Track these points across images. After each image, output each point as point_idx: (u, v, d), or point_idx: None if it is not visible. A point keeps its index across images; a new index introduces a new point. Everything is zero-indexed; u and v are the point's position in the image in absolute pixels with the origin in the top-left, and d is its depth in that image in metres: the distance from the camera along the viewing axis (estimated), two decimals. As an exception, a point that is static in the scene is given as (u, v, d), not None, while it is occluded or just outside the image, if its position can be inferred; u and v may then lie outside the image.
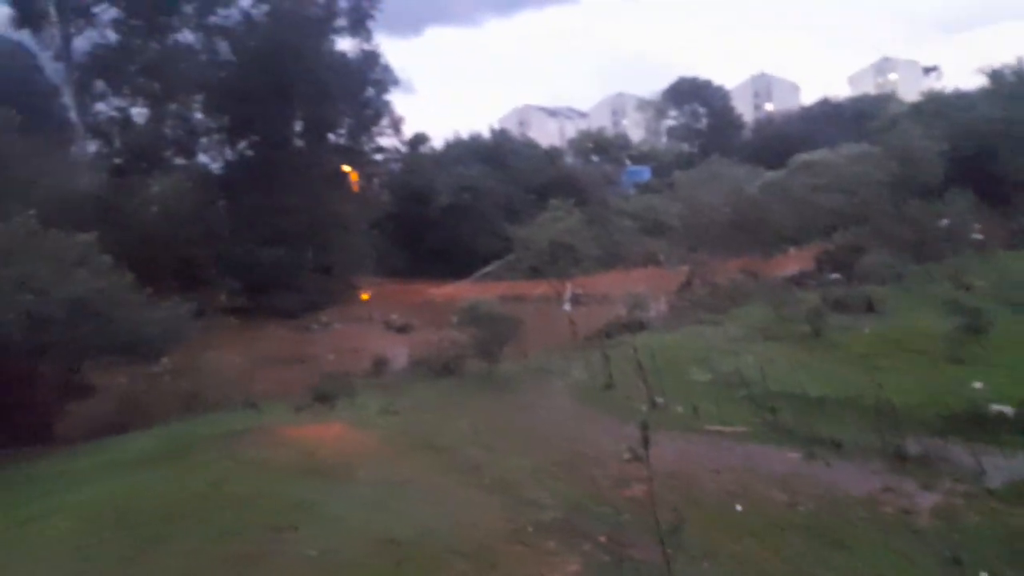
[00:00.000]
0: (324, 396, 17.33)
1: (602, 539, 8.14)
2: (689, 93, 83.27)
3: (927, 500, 9.10)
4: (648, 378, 14.67)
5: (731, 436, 12.28)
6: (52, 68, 48.38)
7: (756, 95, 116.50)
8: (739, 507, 9.17)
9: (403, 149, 56.04)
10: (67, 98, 47.56)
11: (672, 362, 17.45)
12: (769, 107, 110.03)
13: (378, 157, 53.46)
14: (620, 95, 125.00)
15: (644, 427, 4.31)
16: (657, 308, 27.41)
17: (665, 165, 70.84)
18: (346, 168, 49.60)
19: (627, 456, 4.03)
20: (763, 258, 34.12)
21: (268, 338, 29.26)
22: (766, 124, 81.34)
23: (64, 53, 44.18)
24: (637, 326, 24.62)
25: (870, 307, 22.79)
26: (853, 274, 27.76)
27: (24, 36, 46.54)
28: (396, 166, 57.13)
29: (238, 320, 33.94)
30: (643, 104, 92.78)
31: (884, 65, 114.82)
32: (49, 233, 17.77)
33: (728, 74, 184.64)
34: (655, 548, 7.29)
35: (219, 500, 10.09)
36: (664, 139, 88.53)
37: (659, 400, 14.50)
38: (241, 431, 14.11)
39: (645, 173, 70.27)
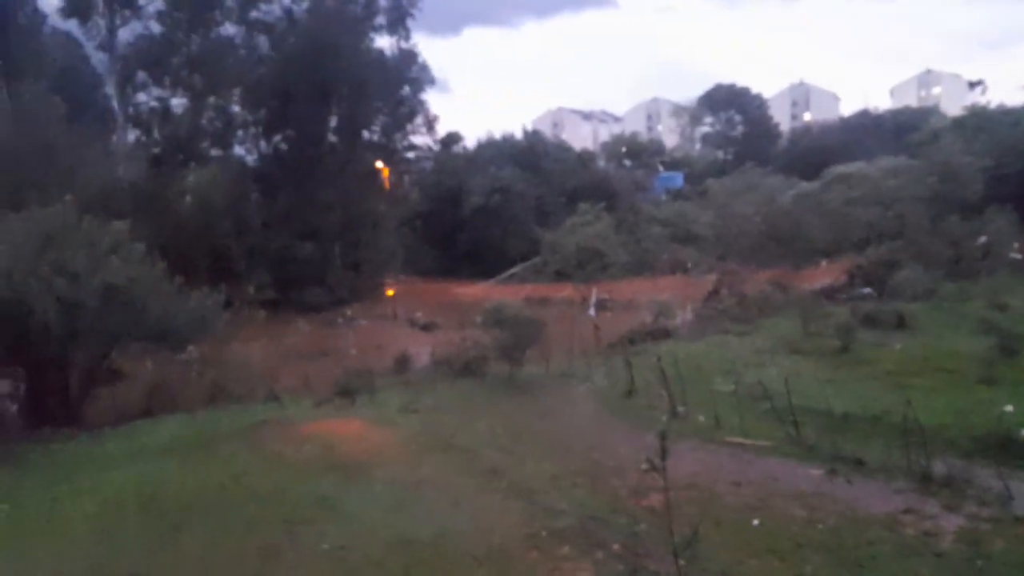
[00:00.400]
0: (346, 392, 17.54)
1: (616, 548, 8.09)
2: (725, 100, 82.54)
3: (951, 523, 8.87)
4: (671, 387, 14.54)
5: (753, 449, 12.11)
6: (97, 58, 49.60)
7: (794, 104, 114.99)
8: (757, 522, 9.04)
9: (436, 148, 56.32)
10: (110, 88, 48.64)
11: (696, 371, 17.29)
12: (807, 117, 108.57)
13: (411, 155, 53.81)
14: (655, 100, 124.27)
15: (662, 437, 4.27)
16: (683, 316, 27.17)
17: (698, 172, 70.28)
18: (379, 165, 49.99)
19: (645, 466, 3.98)
20: (794, 270, 33.68)
21: (294, 332, 29.63)
22: (803, 134, 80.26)
23: (109, 44, 45.17)
24: (662, 333, 24.43)
25: (901, 323, 22.33)
26: (885, 289, 27.26)
27: (71, 26, 47.81)
28: (428, 164, 57.46)
29: (266, 313, 34.38)
30: (678, 110, 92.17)
31: (927, 78, 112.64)
32: (85, 220, 18.18)
33: (766, 82, 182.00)
34: (670, 560, 7.24)
35: (240, 493, 10.26)
36: (698, 146, 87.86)
37: (681, 409, 14.37)
38: (263, 424, 14.33)
39: (677, 179, 69.79)
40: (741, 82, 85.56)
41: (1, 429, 17.41)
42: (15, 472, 12.51)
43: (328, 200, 43.58)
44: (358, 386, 17.81)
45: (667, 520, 4.93)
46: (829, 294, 29.72)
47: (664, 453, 4.20)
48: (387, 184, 52.21)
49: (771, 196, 33.79)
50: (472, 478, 11.07)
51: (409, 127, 50.74)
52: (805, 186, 38.55)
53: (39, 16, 49.59)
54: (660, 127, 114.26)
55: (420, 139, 52.86)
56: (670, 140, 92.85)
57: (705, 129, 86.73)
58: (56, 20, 47.97)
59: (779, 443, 12.33)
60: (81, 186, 28.75)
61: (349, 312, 38.35)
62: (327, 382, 19.04)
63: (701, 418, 13.55)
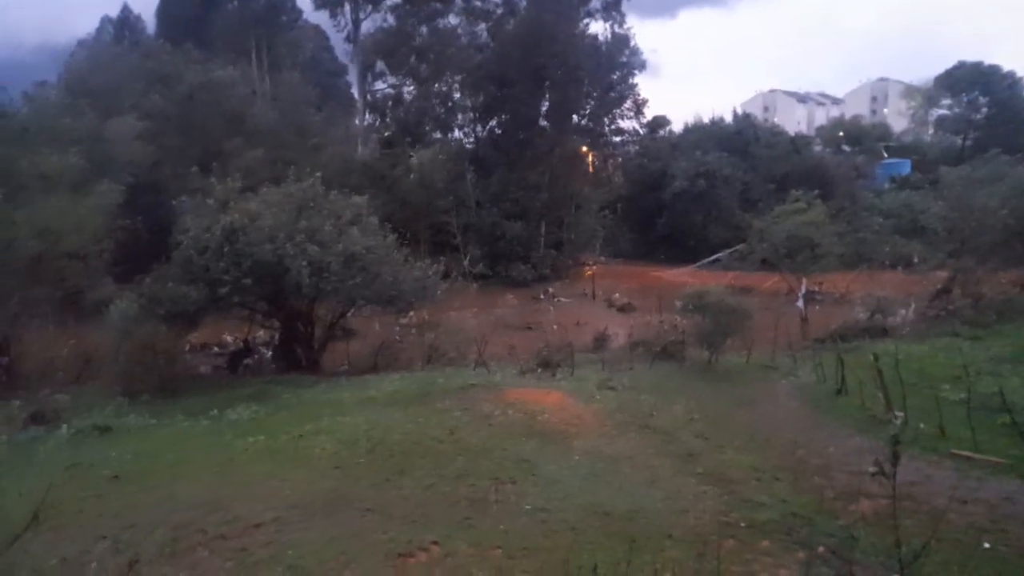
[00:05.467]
0: (547, 364, 18.03)
1: (822, 550, 7.61)
2: (968, 80, 72.46)
3: None
4: (888, 389, 13.27)
5: (984, 466, 10.72)
6: (341, 49, 54.67)
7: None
8: (987, 544, 8.05)
9: (642, 132, 55.52)
10: (351, 76, 53.48)
11: (918, 375, 15.60)
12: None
13: (617, 139, 53.57)
14: (882, 80, 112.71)
15: (895, 441, 3.92)
16: (904, 315, 24.49)
17: (929, 160, 62.84)
18: (584, 149, 50.38)
19: (873, 469, 3.67)
20: (1045, 272, 29.04)
21: (501, 304, 30.86)
22: (1065, 118, 68.56)
23: (353, 35, 49.53)
24: (879, 332, 22.28)
25: None
26: None
27: (320, 19, 53.09)
28: (633, 148, 56.83)
29: (477, 285, 36.11)
30: (910, 91, 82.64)
31: None
32: (331, 194, 20.29)
33: (1020, 59, 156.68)
34: (883, 572, 6.70)
35: (453, 446, 10.98)
36: (931, 131, 78.36)
37: (899, 414, 13.06)
38: (474, 386, 15.14)
39: (904, 167, 62.96)
40: (988, 59, 74.48)
41: (259, 371, 20.10)
42: (270, 408, 14.32)
43: (536, 181, 44.77)
44: (559, 360, 18.24)
45: (892, 529, 4.55)
46: (1089, 302, 25.27)
47: (896, 458, 3.86)
48: (592, 167, 52.46)
49: (1021, 188, 29.28)
50: (668, 459, 10.94)
51: (617, 111, 50.50)
52: (1066, 178, 32.95)
53: (296, 12, 55.65)
54: (886, 110, 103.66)
55: (627, 123, 52.42)
56: (898, 124, 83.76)
57: (941, 112, 76.83)
58: (308, 13, 53.45)
59: (1017, 462, 10.83)
60: (327, 163, 32.11)
61: (551, 289, 39.27)
62: (530, 353, 19.69)
63: (922, 426, 12.23)
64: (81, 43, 56.31)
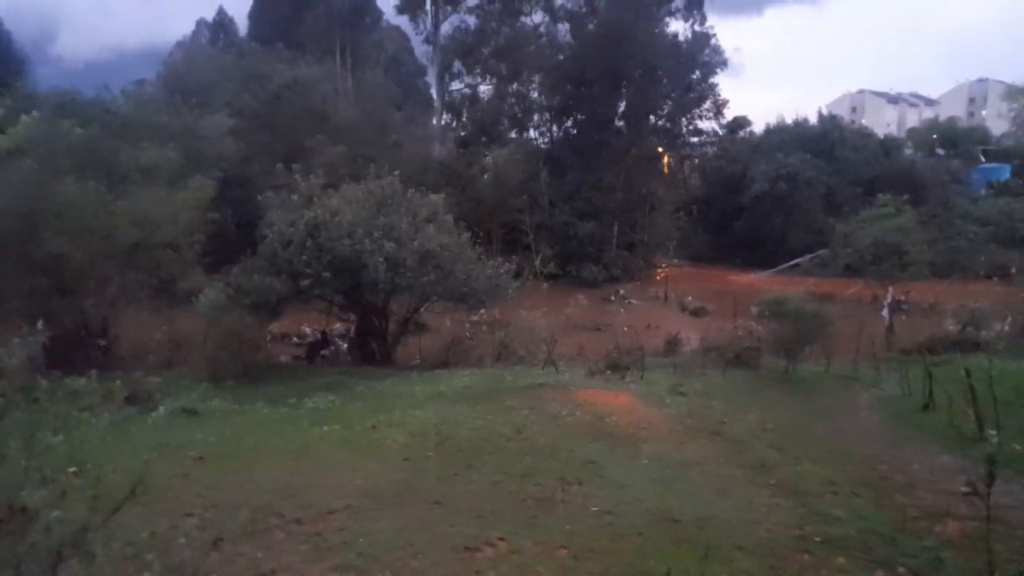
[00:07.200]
0: (617, 366, 17.86)
1: (902, 571, 7.27)
2: (1079, 80, 67.83)
3: None
4: (980, 406, 12.54)
5: (1086, 493, 10.04)
6: (420, 50, 55.60)
7: None
8: (1089, 577, 7.52)
9: (721, 133, 54.26)
10: (430, 76, 54.37)
11: (1014, 393, 14.62)
12: None
13: (694, 140, 52.59)
14: (982, 81, 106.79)
15: (990, 460, 3.72)
16: (1000, 329, 23.07)
17: (1032, 165, 59.13)
18: (660, 150, 49.67)
19: (965, 489, 3.47)
20: None
21: (572, 304, 30.67)
22: None
23: (433, 37, 50.35)
24: (970, 345, 21.08)
25: None
26: None
27: (401, 21, 54.17)
28: (711, 150, 55.65)
29: (548, 285, 36.06)
30: (1011, 92, 77.75)
31: None
32: (408, 192, 20.69)
33: None
34: (971, 597, 6.35)
35: (520, 444, 11.01)
36: (1035, 134, 73.54)
37: (991, 433, 12.32)
38: (542, 386, 15.14)
39: (1003, 172, 59.33)
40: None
41: (335, 362, 20.69)
42: (345, 399, 14.66)
43: (610, 182, 44.45)
44: (628, 362, 18.04)
45: (982, 553, 4.30)
46: None
47: (991, 478, 3.64)
48: (667, 169, 51.70)
49: None
50: (740, 468, 10.65)
51: (696, 112, 49.54)
52: None
53: (377, 13, 56.98)
54: (985, 112, 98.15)
55: (706, 124, 51.38)
56: (998, 127, 79.03)
57: (1048, 115, 71.98)
58: (390, 16, 54.63)
59: (1126, 490, 10.05)
60: (405, 161, 32.71)
61: (622, 291, 38.93)
62: (599, 354, 19.57)
63: (1017, 447, 11.52)
64: (179, 44, 59.38)
